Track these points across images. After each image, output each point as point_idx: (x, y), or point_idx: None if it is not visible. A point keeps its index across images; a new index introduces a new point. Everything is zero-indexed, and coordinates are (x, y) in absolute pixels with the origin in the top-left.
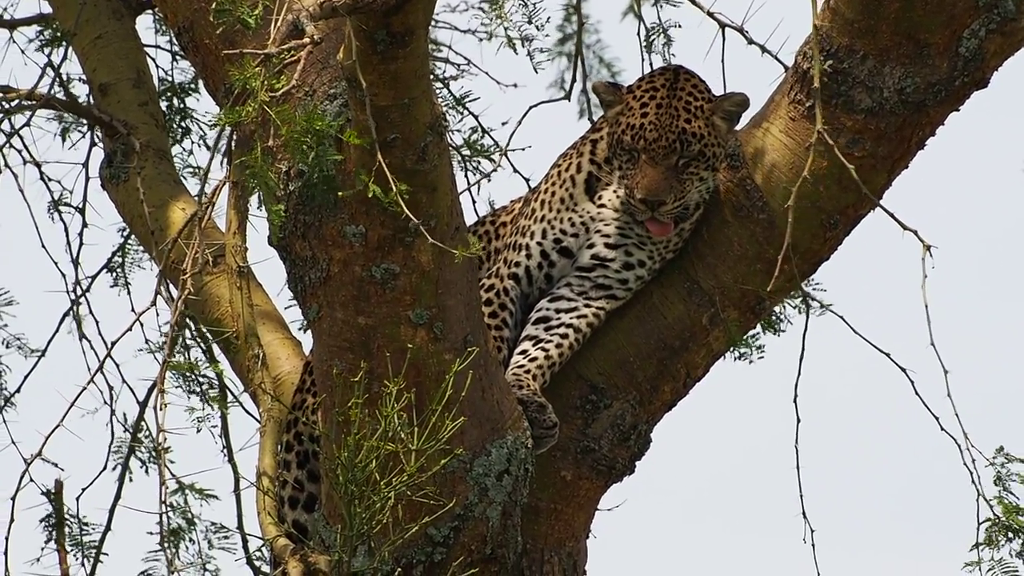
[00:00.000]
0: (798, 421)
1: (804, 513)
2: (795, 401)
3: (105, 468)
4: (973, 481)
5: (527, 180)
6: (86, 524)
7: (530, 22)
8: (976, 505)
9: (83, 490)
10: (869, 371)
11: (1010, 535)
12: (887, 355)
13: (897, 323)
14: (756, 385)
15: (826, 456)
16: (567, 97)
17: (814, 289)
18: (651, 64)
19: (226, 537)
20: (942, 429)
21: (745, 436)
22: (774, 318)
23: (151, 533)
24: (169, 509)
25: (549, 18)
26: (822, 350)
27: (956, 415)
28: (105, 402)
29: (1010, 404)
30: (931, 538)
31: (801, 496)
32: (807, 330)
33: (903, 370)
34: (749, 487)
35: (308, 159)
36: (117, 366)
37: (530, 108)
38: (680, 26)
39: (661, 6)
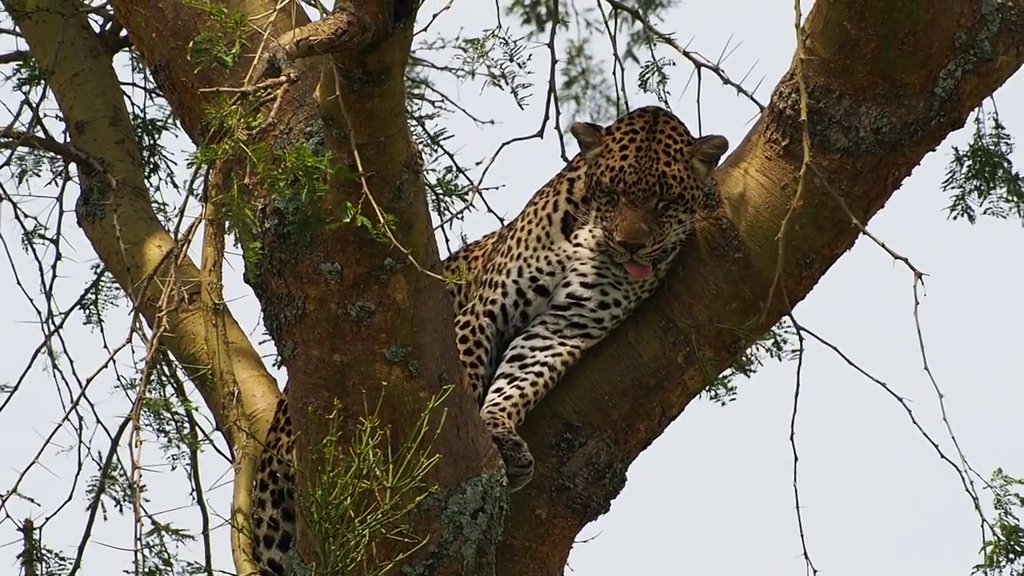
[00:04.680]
0: (796, 459)
1: (805, 553)
2: (791, 439)
3: (69, 501)
4: (976, 507)
5: (501, 219)
6: (62, 559)
7: (511, 60)
8: (981, 529)
9: (46, 519)
10: (858, 404)
11: (1011, 556)
12: (883, 384)
13: (884, 355)
14: (733, 423)
15: (833, 493)
16: (540, 135)
17: (786, 331)
18: (627, 104)
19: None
20: (942, 456)
21: (722, 475)
22: (745, 359)
23: (127, 572)
24: (147, 549)
25: (531, 55)
26: (821, 386)
27: (953, 439)
28: (80, 440)
29: (1007, 426)
30: (935, 565)
31: (802, 535)
32: (800, 368)
33: (899, 399)
34: (726, 525)
35: (290, 194)
36: (92, 404)
37: (503, 145)
38: (675, 64)
39: (655, 45)
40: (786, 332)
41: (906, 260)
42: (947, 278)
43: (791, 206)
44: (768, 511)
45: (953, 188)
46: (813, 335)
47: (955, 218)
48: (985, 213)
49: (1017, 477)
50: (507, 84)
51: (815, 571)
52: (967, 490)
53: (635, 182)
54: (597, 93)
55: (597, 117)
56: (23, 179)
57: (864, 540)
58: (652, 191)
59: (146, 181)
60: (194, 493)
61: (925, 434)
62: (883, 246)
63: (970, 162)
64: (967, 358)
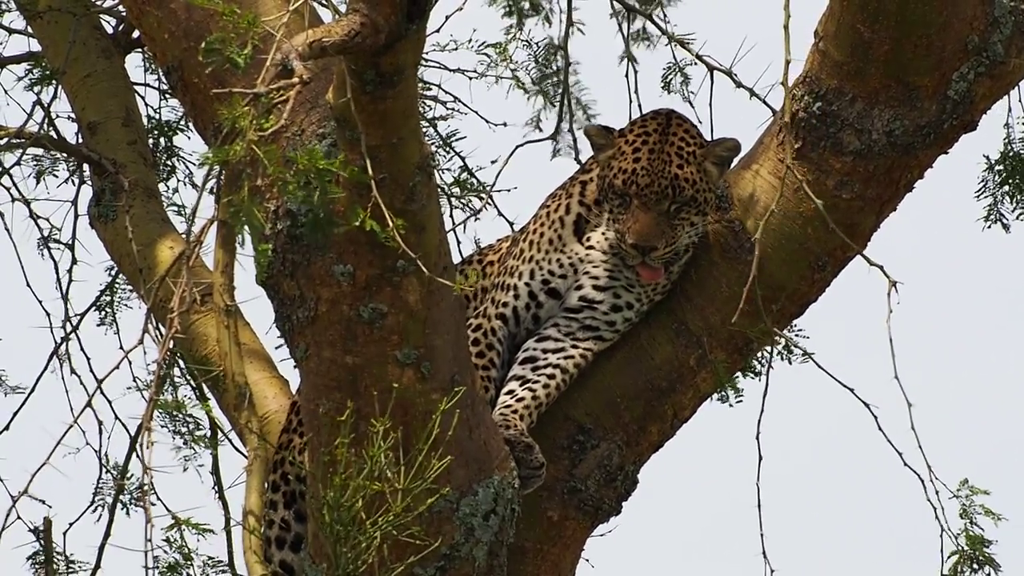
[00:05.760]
0: (760, 459)
1: (764, 553)
2: (757, 438)
3: (92, 505)
4: (937, 517)
5: (511, 223)
6: (72, 562)
7: (536, 61)
8: (940, 539)
9: (69, 525)
10: (839, 409)
11: (975, 566)
12: (851, 391)
13: (868, 361)
14: (739, 426)
15: (805, 495)
16: (552, 138)
17: (797, 333)
18: (640, 106)
19: (223, 571)
20: (905, 464)
21: (730, 476)
22: (751, 363)
23: (146, 568)
24: (164, 544)
25: (540, 60)
26: (797, 389)
27: (920, 447)
28: (88, 443)
29: (979, 439)
30: (903, 573)
31: (762, 535)
32: (769, 369)
33: (867, 405)
34: (736, 527)
35: (302, 198)
36: (110, 402)
37: (515, 148)
38: (695, 64)
39: (652, 45)
40: (795, 334)
41: (881, 267)
42: (930, 286)
43: (802, 208)
44: (773, 514)
45: (986, 196)
46: (786, 337)
47: (989, 227)
48: (1019, 218)
49: (983, 487)
50: (533, 85)
51: (772, 571)
52: (928, 500)
53: (647, 184)
54: (568, 94)
55: (564, 118)
56: (40, 179)
57: (832, 545)
58: (664, 194)
59: (164, 183)
60: (215, 488)
61: (890, 442)
62: (860, 252)
63: (1000, 167)
64: (946, 366)
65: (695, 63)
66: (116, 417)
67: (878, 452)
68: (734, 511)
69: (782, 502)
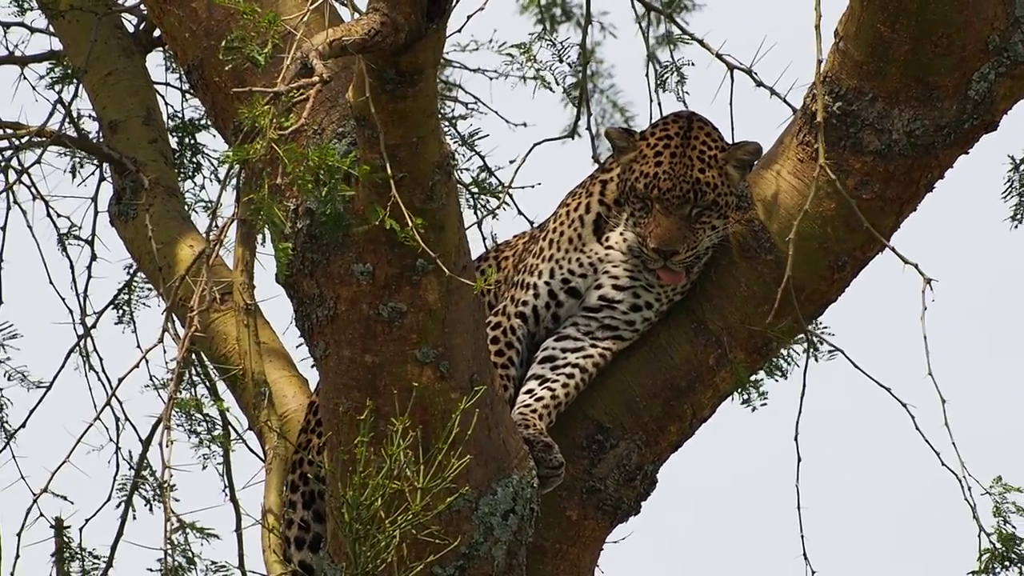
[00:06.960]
0: (799, 460)
1: (805, 555)
2: (796, 439)
3: (108, 501)
4: (974, 516)
5: (531, 222)
6: (96, 557)
7: (561, 60)
8: (978, 538)
9: (86, 521)
10: (868, 408)
11: (1007, 564)
12: (887, 389)
13: (899, 361)
14: (761, 424)
15: (833, 494)
16: (572, 136)
17: (823, 331)
18: (660, 106)
19: (227, 574)
20: (943, 464)
21: (750, 476)
22: (778, 362)
23: (151, 571)
24: (171, 547)
25: (563, 59)
26: (824, 387)
27: (953, 444)
28: (111, 440)
29: (1010, 438)
30: (934, 570)
31: (802, 537)
32: (807, 369)
33: (903, 405)
34: (754, 528)
35: (317, 196)
36: (120, 403)
37: (533, 146)
38: (693, 64)
39: (675, 46)
40: (822, 331)
41: (916, 266)
42: (961, 283)
43: (822, 208)
44: (779, 513)
45: (1013, 196)
46: (820, 337)
47: (1016, 226)
48: None
49: (1016, 485)
50: (559, 84)
51: (813, 572)
52: (966, 499)
53: (669, 188)
54: (604, 97)
55: (602, 121)
56: (75, 174)
57: (863, 543)
58: (686, 198)
59: (190, 181)
60: (226, 491)
61: (928, 441)
62: (893, 250)
63: None
64: (978, 362)
65: (691, 62)
66: (127, 419)
67: (891, 449)
68: (735, 510)
69: (780, 502)
